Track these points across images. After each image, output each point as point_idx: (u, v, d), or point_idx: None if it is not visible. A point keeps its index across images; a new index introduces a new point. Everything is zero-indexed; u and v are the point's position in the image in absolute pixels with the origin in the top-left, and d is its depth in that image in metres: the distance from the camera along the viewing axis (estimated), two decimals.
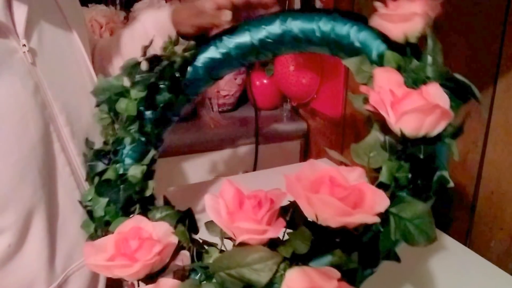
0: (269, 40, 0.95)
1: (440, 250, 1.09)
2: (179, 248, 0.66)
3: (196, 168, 1.82)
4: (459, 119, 0.67)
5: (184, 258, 0.65)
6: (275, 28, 0.93)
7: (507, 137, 1.14)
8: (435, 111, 0.63)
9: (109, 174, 0.82)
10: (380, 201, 0.58)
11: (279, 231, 0.60)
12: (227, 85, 1.94)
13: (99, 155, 0.84)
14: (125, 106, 0.85)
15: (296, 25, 0.92)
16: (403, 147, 0.67)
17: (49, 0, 0.93)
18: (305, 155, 2.08)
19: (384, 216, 0.59)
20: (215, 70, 0.99)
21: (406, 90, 0.67)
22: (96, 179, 0.82)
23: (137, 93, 0.85)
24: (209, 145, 1.82)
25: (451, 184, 0.66)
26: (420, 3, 0.75)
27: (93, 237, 0.79)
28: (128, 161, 0.84)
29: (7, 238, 0.80)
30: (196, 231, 0.71)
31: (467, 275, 1.04)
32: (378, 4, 0.76)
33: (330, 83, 1.81)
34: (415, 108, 0.63)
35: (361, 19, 0.88)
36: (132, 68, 0.87)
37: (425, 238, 0.59)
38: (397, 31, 0.77)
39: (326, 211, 0.57)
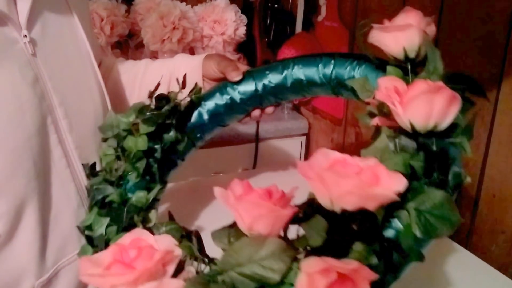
0: (272, 85, 1.00)
1: (440, 253, 1.08)
2: (182, 265, 0.63)
3: (195, 165, 1.81)
4: (468, 120, 0.68)
5: (189, 275, 0.62)
6: (278, 74, 0.99)
7: (510, 140, 1.13)
8: (441, 92, 0.63)
9: (114, 197, 0.84)
10: (397, 180, 0.56)
11: (293, 212, 0.58)
12: None
13: (106, 181, 0.86)
14: (134, 142, 0.88)
15: (298, 69, 0.97)
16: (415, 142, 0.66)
17: None
18: (305, 154, 2.07)
19: (403, 211, 0.60)
20: (220, 116, 1.03)
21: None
22: (99, 204, 0.84)
23: (146, 129, 0.89)
24: (210, 142, 1.79)
25: (468, 180, 0.66)
26: (414, 16, 0.77)
27: None
28: (130, 195, 0.86)
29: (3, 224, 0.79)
30: (203, 251, 0.68)
31: (467, 278, 1.04)
32: (376, 26, 0.78)
33: None
34: (421, 91, 0.63)
35: (361, 57, 0.91)
36: (140, 110, 0.90)
37: (448, 225, 0.58)
38: (396, 44, 0.77)
39: (341, 188, 0.55)
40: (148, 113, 0.90)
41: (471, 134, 0.67)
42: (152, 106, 0.92)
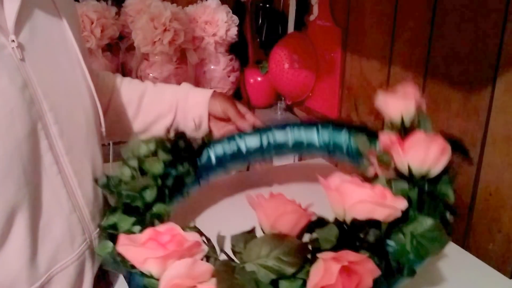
0: (276, 143, 1.14)
1: None
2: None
3: None
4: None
5: None
6: (282, 134, 1.14)
7: (506, 138, 1.13)
8: (436, 141, 0.80)
9: (138, 203, 0.91)
10: (400, 201, 0.73)
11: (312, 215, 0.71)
12: (221, 83, 1.93)
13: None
14: (152, 165, 0.97)
15: (299, 133, 1.14)
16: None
17: None
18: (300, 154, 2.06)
19: (399, 234, 0.75)
20: (225, 161, 1.12)
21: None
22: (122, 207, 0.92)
23: (165, 156, 0.98)
24: None
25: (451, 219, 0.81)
26: (413, 93, 0.94)
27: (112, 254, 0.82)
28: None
29: None
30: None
31: (464, 278, 1.03)
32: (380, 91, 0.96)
33: (325, 81, 1.80)
34: (420, 139, 0.81)
35: (353, 127, 1.09)
36: (160, 140, 1.01)
37: (438, 245, 0.75)
38: (396, 108, 0.93)
39: (356, 196, 0.71)
40: (167, 145, 1.01)
41: (453, 180, 0.83)
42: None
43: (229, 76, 1.94)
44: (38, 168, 0.84)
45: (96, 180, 0.95)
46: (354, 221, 0.72)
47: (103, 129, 1.03)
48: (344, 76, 1.70)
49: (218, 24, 1.83)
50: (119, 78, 1.26)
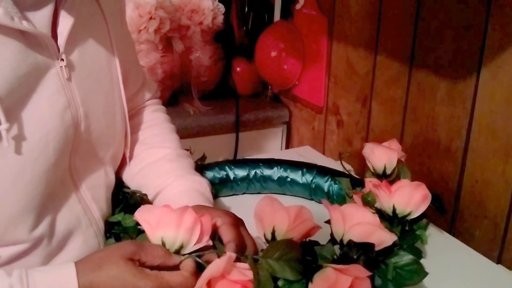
0: (262, 175, 1.28)
1: None
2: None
3: None
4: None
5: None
6: (269, 168, 1.28)
7: (491, 126, 1.13)
8: (420, 188, 0.96)
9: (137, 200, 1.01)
10: (392, 234, 0.85)
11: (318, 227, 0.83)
12: (207, 71, 1.91)
13: None
14: None
15: (285, 170, 1.28)
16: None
17: (95, 11, 0.90)
18: (286, 143, 2.07)
19: (383, 266, 0.87)
20: (213, 185, 1.19)
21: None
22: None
23: None
24: (189, 132, 1.78)
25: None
26: (395, 145, 1.14)
27: None
28: None
29: (3, 252, 0.77)
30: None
31: (452, 264, 1.04)
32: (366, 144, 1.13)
33: (312, 69, 1.80)
34: (407, 184, 0.96)
35: (336, 174, 1.24)
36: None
37: (416, 277, 0.85)
38: (380, 160, 1.09)
39: (355, 219, 0.84)
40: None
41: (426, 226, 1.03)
42: None
43: (215, 65, 1.94)
44: (57, 187, 0.83)
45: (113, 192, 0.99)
46: (350, 242, 0.83)
47: (128, 150, 1.02)
48: (330, 65, 1.70)
49: (204, 12, 1.81)
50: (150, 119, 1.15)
